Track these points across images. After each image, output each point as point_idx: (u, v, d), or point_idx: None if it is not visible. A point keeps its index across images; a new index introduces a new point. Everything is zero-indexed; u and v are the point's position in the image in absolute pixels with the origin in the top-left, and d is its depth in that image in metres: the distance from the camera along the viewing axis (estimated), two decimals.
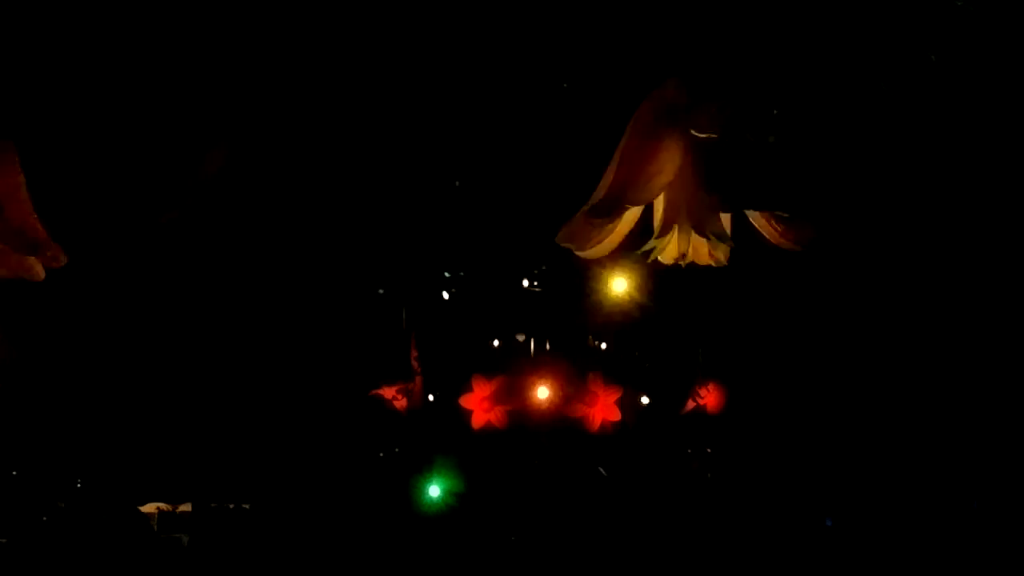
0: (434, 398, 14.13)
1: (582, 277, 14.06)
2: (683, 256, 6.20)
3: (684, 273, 13.09)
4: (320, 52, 12.36)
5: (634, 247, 6.70)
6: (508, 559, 13.59)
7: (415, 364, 14.21)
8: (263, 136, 12.55)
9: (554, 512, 13.89)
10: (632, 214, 6.25)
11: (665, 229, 6.05)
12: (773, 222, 6.80)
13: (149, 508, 14.06)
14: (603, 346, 14.35)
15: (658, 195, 6.04)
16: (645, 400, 14.41)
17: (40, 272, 6.52)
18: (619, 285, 13.31)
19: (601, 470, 13.98)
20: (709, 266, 7.61)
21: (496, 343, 14.25)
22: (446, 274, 14.22)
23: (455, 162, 13.78)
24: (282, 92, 12.57)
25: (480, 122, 13.31)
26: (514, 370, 14.05)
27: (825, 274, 13.54)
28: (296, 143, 13.08)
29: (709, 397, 14.21)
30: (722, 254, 6.25)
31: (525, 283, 14.09)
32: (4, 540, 13.73)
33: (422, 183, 13.84)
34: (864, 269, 13.52)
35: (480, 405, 14.27)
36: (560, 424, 14.06)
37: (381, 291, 14.18)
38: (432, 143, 13.49)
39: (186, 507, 14.16)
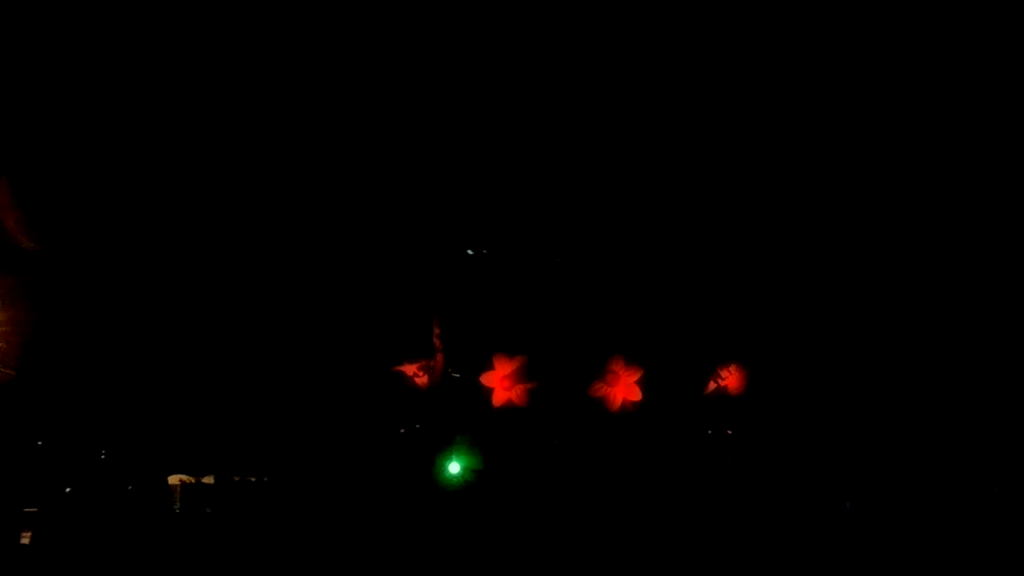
0: (456, 375, 14.18)
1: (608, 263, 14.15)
2: None
3: (707, 259, 13.11)
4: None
5: None
6: (526, 535, 13.64)
7: (437, 342, 14.29)
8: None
9: (572, 490, 13.94)
10: None
11: None
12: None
13: (173, 480, 14.22)
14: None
15: None
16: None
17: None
18: None
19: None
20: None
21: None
22: (469, 252, 14.27)
23: (476, 145, 13.85)
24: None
25: (497, 109, 13.39)
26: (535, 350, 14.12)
27: (842, 265, 13.55)
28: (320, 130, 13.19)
29: (730, 378, 14.20)
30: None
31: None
32: (35, 509, 13.97)
33: (446, 165, 13.92)
34: (877, 263, 13.53)
35: (500, 383, 14.34)
36: (581, 403, 14.11)
37: (406, 270, 14.28)
38: (452, 127, 13.56)
39: (209, 479, 14.31)
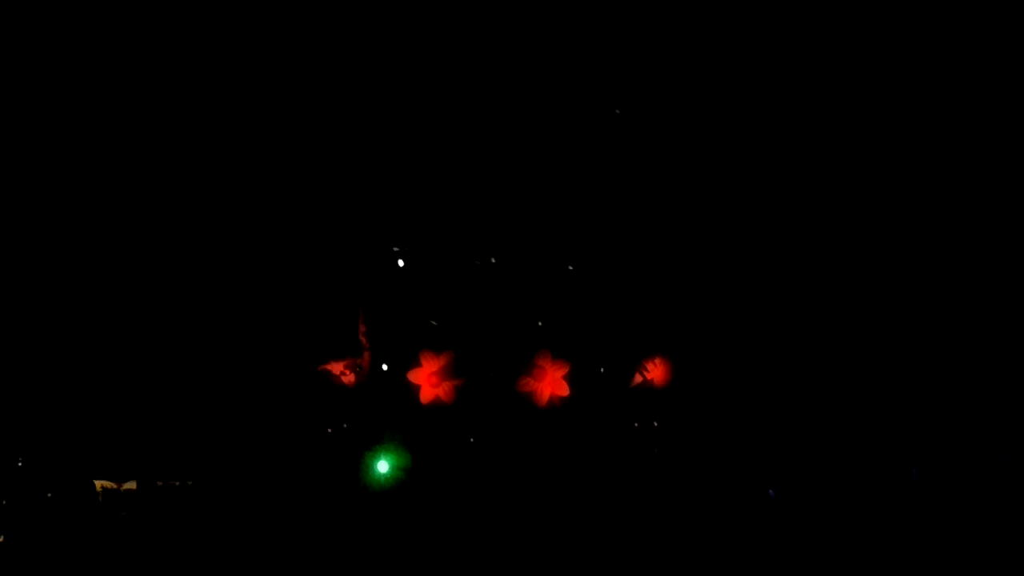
0: (384, 372, 14.09)
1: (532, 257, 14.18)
2: None
3: (631, 252, 13.23)
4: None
5: None
6: (455, 532, 13.64)
7: (363, 339, 14.17)
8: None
9: (501, 486, 13.97)
10: None
11: None
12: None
13: (97, 485, 13.89)
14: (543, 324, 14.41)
15: None
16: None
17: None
18: None
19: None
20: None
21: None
22: (395, 249, 14.18)
23: (407, 142, 13.76)
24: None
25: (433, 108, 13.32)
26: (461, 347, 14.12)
27: (772, 257, 13.79)
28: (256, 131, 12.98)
29: (655, 371, 14.35)
30: None
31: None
32: None
33: (374, 162, 13.80)
34: (815, 254, 13.79)
35: (428, 380, 14.28)
36: (509, 399, 14.13)
37: (329, 267, 14.15)
38: (382, 122, 13.44)
39: (131, 485, 14.00)
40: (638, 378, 14.33)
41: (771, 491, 14.24)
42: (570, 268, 14.28)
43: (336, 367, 14.10)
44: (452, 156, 14.14)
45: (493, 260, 13.95)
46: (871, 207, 13.73)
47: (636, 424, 14.35)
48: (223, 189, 14.06)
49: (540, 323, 14.27)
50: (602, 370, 14.10)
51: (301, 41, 13.46)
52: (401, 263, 14.03)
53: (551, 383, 14.14)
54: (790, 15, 12.85)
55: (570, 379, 14.11)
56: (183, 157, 13.88)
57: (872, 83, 13.02)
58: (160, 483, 13.96)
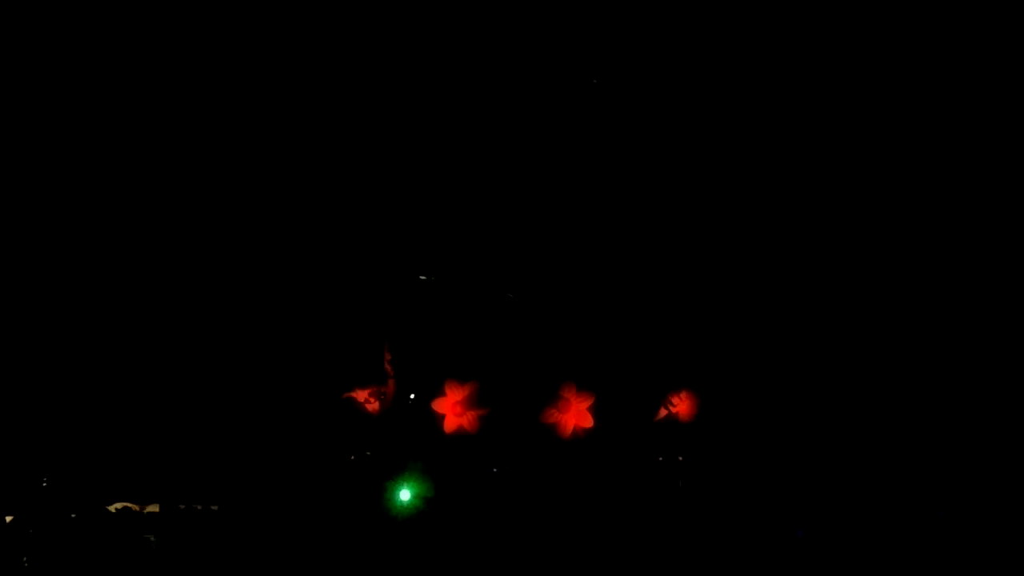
0: (410, 401, 14.11)
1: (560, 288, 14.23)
2: None
3: (658, 287, 13.23)
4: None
5: None
6: (476, 561, 13.52)
7: (388, 368, 14.22)
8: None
9: (524, 517, 13.86)
10: None
11: None
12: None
13: (116, 507, 13.94)
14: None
15: None
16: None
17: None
18: None
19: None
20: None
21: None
22: (421, 278, 14.27)
23: (431, 165, 13.91)
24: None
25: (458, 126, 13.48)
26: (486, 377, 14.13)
27: (797, 287, 13.74)
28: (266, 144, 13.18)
29: (681, 405, 14.26)
30: None
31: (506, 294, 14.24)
32: None
33: (402, 192, 13.96)
34: (833, 281, 13.74)
35: (452, 409, 14.27)
36: (533, 430, 14.09)
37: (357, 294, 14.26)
38: (408, 148, 13.60)
39: (154, 508, 14.03)
40: (663, 411, 14.25)
41: (799, 532, 14.02)
42: (597, 301, 14.29)
43: (361, 395, 14.15)
44: (480, 187, 14.26)
45: (511, 295, 14.01)
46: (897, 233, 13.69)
47: (660, 458, 14.23)
48: (255, 216, 14.24)
49: (565, 353, 14.26)
50: (620, 402, 14.04)
51: (335, 69, 13.69)
52: (431, 294, 14.12)
53: (576, 414, 14.09)
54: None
55: (595, 411, 14.07)
56: (213, 188, 14.10)
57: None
58: (183, 506, 13.97)
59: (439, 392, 14.10)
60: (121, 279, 13.92)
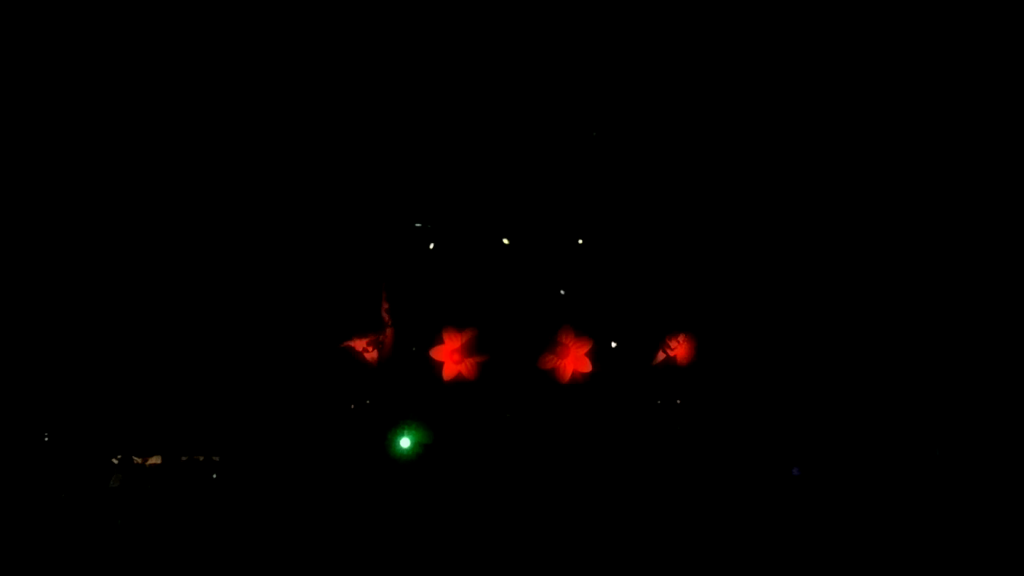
0: (408, 349, 14.09)
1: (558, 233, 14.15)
2: None
3: (654, 229, 13.15)
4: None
5: None
6: (478, 511, 13.65)
7: (386, 316, 14.18)
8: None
9: (523, 464, 13.96)
10: None
11: None
12: None
13: (118, 460, 14.02)
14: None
15: None
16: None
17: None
18: None
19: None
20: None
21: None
22: (417, 225, 14.16)
23: (425, 121, 13.73)
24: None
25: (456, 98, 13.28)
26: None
27: (790, 236, 13.71)
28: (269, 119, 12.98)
29: (679, 348, 14.28)
30: None
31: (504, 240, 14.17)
32: None
33: (397, 141, 13.78)
34: (826, 237, 13.70)
35: (450, 357, 14.28)
36: (531, 376, 14.11)
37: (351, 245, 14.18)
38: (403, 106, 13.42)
39: (156, 459, 14.12)
40: (661, 355, 14.28)
41: (795, 470, 14.17)
42: (592, 245, 14.22)
43: (359, 344, 14.13)
44: (475, 135, 14.09)
45: (506, 241, 13.91)
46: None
47: (658, 402, 14.30)
48: (246, 168, 14.09)
49: (562, 298, 14.23)
50: (618, 346, 14.04)
51: (321, 34, 13.44)
52: (427, 241, 14.03)
53: (574, 360, 14.10)
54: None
55: (593, 356, 14.08)
56: (204, 138, 13.91)
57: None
58: (184, 458, 14.06)
59: (437, 340, 14.08)
60: (116, 238, 13.84)
